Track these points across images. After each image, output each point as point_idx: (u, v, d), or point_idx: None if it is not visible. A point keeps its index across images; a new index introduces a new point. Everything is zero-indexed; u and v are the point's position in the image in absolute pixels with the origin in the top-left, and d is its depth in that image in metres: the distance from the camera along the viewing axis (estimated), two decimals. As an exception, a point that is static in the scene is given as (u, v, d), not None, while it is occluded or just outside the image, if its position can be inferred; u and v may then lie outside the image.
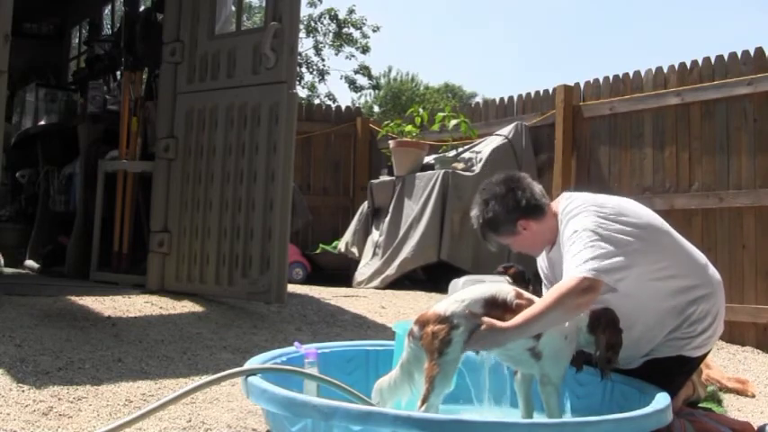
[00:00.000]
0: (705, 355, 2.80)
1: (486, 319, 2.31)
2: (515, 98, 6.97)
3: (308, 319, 4.33)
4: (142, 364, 3.13)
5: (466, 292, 2.36)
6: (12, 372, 2.79)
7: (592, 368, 2.58)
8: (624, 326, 2.45)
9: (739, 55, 5.12)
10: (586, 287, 2.36)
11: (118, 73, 6.28)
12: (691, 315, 2.63)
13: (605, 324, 2.41)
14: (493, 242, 2.76)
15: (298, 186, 6.38)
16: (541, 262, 2.89)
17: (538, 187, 2.71)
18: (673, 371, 2.65)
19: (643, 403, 2.30)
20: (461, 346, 2.25)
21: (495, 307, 2.32)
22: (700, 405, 3.04)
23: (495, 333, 2.31)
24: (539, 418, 2.46)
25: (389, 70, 30.73)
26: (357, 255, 6.94)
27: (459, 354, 2.25)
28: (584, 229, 2.50)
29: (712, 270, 2.75)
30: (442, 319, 2.26)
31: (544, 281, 2.93)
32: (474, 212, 2.73)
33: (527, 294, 2.41)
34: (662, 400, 2.28)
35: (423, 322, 2.29)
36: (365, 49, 22.02)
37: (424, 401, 2.18)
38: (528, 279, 3.71)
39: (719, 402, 3.25)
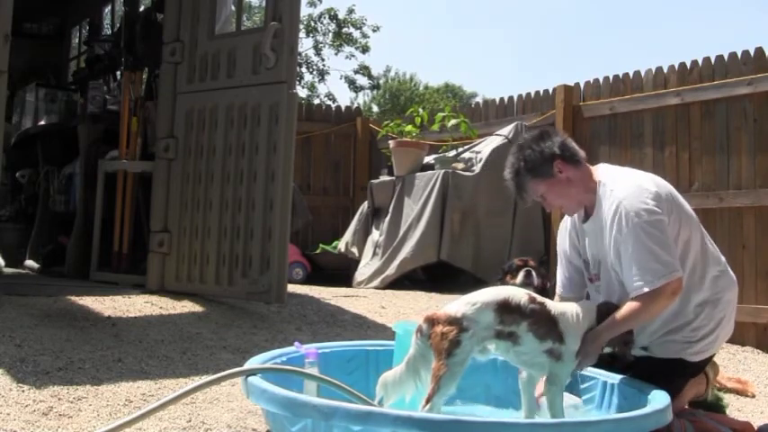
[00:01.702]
0: (708, 360, 2.78)
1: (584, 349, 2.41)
2: (515, 98, 6.97)
3: (308, 319, 4.33)
4: (142, 364, 3.12)
5: (478, 294, 2.36)
6: (12, 372, 2.79)
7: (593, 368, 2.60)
8: None
9: (739, 55, 5.12)
10: (674, 289, 2.45)
11: (118, 73, 6.28)
12: (693, 320, 2.63)
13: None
14: (528, 192, 2.68)
15: (298, 186, 6.38)
16: (567, 233, 2.85)
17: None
18: (674, 372, 2.65)
19: (643, 403, 2.30)
20: (470, 349, 2.25)
21: (509, 311, 2.32)
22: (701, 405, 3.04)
23: (596, 343, 2.42)
24: (540, 417, 2.46)
25: (388, 70, 30.74)
26: (357, 255, 6.94)
27: (467, 356, 2.25)
28: (651, 221, 2.47)
29: (730, 276, 2.74)
30: (452, 321, 2.26)
31: (562, 256, 2.90)
32: (509, 162, 2.69)
33: (539, 298, 2.42)
34: (661, 400, 2.28)
35: (432, 321, 2.28)
36: (365, 49, 22.04)
37: (428, 401, 2.18)
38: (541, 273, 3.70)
39: (721, 404, 3.25)
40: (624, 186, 2.57)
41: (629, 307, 2.44)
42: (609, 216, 2.55)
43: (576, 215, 2.78)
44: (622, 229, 2.49)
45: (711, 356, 2.79)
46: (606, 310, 2.47)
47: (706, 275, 2.67)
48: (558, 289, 2.94)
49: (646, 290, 2.41)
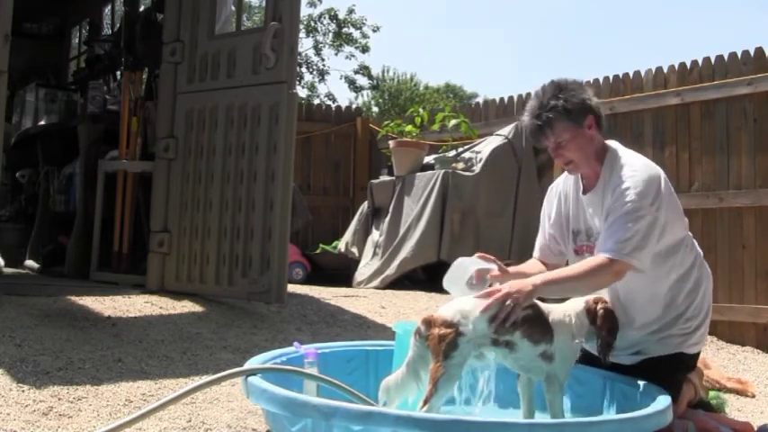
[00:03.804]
0: (699, 353, 2.79)
1: (505, 286, 2.36)
2: (515, 98, 6.96)
3: (308, 319, 4.33)
4: (142, 364, 3.12)
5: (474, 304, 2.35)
6: (12, 372, 2.79)
7: (590, 366, 2.60)
8: (624, 303, 2.59)
9: (739, 55, 5.12)
10: (620, 271, 2.43)
11: (118, 73, 6.28)
12: (685, 311, 2.64)
13: (603, 312, 2.45)
14: (554, 132, 2.59)
15: (298, 186, 6.38)
16: (557, 201, 2.82)
17: None
18: (675, 368, 2.65)
19: (643, 403, 2.30)
20: (467, 352, 2.25)
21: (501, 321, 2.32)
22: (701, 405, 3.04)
23: (526, 293, 2.37)
24: (540, 418, 2.46)
25: (386, 71, 30.70)
26: (357, 255, 6.94)
27: (464, 358, 2.25)
28: (646, 206, 2.45)
29: (706, 266, 2.76)
30: (449, 324, 2.26)
31: (545, 222, 2.86)
32: (543, 96, 2.60)
33: (531, 301, 2.41)
34: (663, 400, 2.28)
35: (429, 322, 2.28)
36: (365, 49, 22.01)
37: (426, 402, 2.18)
38: None
39: (721, 404, 3.25)
40: (638, 166, 2.55)
41: (575, 267, 2.50)
42: (613, 186, 2.53)
43: (573, 186, 2.75)
44: (617, 200, 2.48)
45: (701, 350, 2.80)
46: (595, 303, 2.47)
47: (693, 267, 2.67)
48: (536, 253, 2.92)
49: (605, 256, 2.41)
